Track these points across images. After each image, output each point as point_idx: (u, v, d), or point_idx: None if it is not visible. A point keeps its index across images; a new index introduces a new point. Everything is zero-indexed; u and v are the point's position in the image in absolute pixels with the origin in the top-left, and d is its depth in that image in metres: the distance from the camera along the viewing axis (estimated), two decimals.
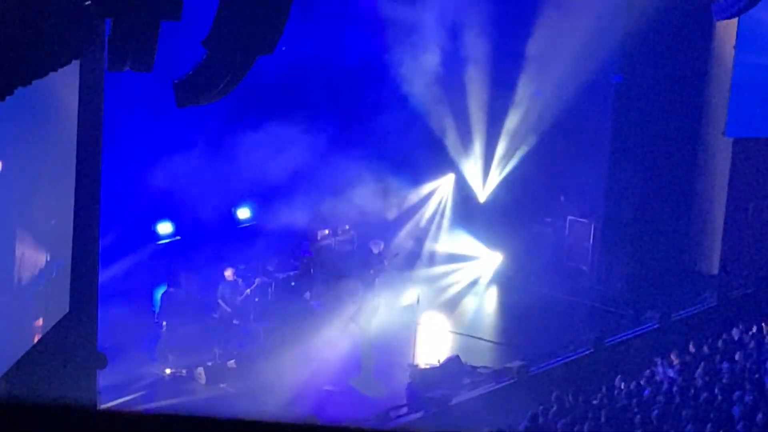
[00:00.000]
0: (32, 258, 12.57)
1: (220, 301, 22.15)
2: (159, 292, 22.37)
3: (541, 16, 26.10)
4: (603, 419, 18.00)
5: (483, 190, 28.25)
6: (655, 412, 18.10)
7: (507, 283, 26.54)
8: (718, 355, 21.18)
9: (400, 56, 25.90)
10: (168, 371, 20.61)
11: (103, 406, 17.26)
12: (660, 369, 20.70)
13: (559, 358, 21.85)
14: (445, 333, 23.59)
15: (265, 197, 25.61)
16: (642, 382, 19.92)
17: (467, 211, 27.97)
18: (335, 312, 22.95)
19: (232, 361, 20.95)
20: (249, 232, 25.66)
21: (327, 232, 26.81)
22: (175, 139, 22.50)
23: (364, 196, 25.34)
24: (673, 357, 21.07)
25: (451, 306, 25.10)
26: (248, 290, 22.45)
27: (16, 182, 11.57)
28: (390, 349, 22.02)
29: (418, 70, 26.16)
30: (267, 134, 23.58)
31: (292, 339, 22.04)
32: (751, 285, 26.06)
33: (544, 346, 22.20)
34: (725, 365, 20.40)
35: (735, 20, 25.46)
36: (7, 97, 9.24)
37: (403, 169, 26.98)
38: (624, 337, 23.18)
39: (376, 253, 23.99)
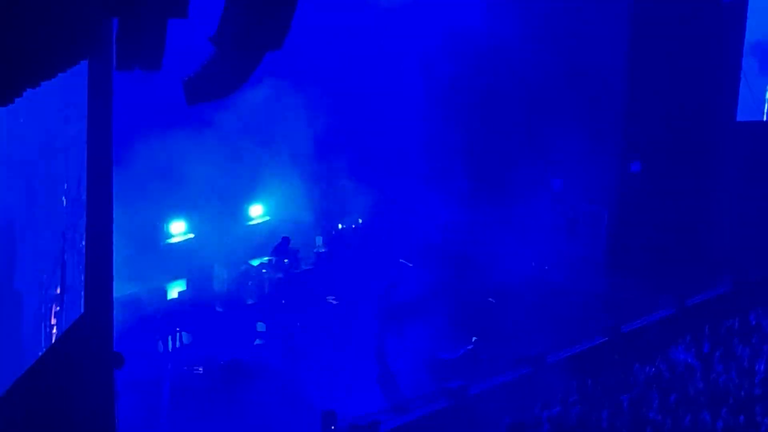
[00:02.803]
0: (45, 260, 12.58)
1: None
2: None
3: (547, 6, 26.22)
4: (621, 406, 17.97)
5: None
6: (673, 397, 18.06)
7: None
8: (736, 338, 21.11)
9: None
10: (185, 369, 20.62)
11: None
12: (677, 354, 20.65)
13: (576, 347, 21.81)
14: (460, 324, 23.54)
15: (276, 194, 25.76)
16: (659, 368, 19.88)
17: None
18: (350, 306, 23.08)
19: (249, 358, 20.94)
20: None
21: (341, 226, 26.89)
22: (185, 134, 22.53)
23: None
24: (689, 342, 21.02)
25: None
26: None
27: (27, 184, 11.57)
28: (408, 341, 22.04)
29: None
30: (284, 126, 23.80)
31: (308, 334, 22.12)
32: (766, 268, 25.93)
33: (560, 335, 22.17)
34: (742, 349, 20.34)
35: (744, 3, 25.39)
36: (16, 99, 9.23)
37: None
38: (640, 324, 23.11)
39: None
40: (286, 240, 24.61)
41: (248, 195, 26.27)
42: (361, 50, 26.05)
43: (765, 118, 27.34)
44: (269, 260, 24.43)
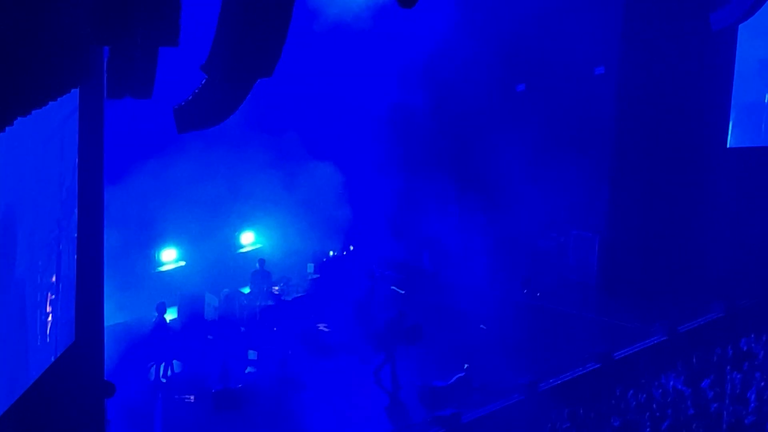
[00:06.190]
0: (37, 288, 12.55)
1: None
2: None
3: (539, 27, 26.29)
4: None
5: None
6: (666, 424, 18.02)
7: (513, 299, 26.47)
8: (728, 365, 21.09)
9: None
10: (177, 397, 20.52)
11: None
12: (669, 381, 20.62)
13: (567, 374, 21.78)
14: (452, 351, 23.48)
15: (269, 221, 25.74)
16: (651, 395, 19.84)
17: None
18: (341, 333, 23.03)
19: (241, 386, 20.85)
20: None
21: (332, 253, 26.85)
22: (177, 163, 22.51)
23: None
24: (681, 369, 20.99)
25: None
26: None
27: (19, 212, 11.55)
28: (400, 369, 21.96)
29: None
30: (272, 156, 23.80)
31: (300, 361, 22.07)
32: (758, 294, 25.94)
33: (552, 362, 22.13)
34: (735, 375, 20.31)
35: (734, 30, 25.46)
36: (7, 128, 9.21)
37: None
38: (632, 351, 23.09)
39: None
40: (261, 262, 24.59)
41: (240, 222, 26.26)
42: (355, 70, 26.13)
43: None
44: (254, 287, 24.36)
